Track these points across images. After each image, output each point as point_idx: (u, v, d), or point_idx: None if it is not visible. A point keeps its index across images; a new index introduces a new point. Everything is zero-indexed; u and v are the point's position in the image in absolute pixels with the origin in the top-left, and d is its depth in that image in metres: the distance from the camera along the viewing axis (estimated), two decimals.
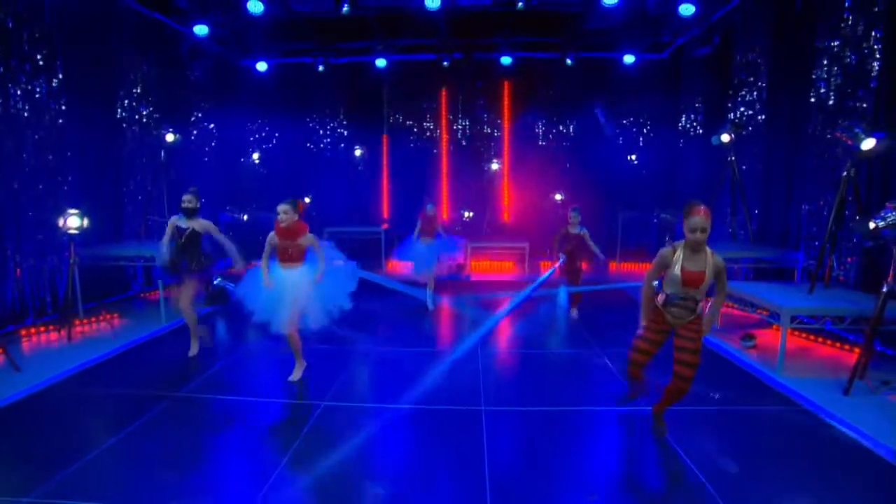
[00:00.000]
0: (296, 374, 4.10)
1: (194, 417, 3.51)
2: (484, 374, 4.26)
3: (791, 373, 4.26)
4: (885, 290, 3.85)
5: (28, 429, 3.32)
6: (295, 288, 3.84)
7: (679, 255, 2.90)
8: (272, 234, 3.88)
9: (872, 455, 3.04)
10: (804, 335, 5.15)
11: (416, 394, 3.80)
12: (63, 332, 5.09)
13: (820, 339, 5.09)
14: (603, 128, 9.67)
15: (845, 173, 4.70)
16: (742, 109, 7.37)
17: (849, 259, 5.33)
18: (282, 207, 3.80)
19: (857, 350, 4.30)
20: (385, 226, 9.92)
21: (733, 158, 6.53)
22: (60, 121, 5.80)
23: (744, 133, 6.69)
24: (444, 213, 10.53)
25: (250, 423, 3.44)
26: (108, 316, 5.70)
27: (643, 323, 3.14)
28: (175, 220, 4.56)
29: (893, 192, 4.69)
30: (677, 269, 2.89)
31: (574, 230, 5.90)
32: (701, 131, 8.60)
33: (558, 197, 9.58)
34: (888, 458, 2.99)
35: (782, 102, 6.47)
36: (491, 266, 9.90)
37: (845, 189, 4.73)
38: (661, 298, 3.03)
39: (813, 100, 5.89)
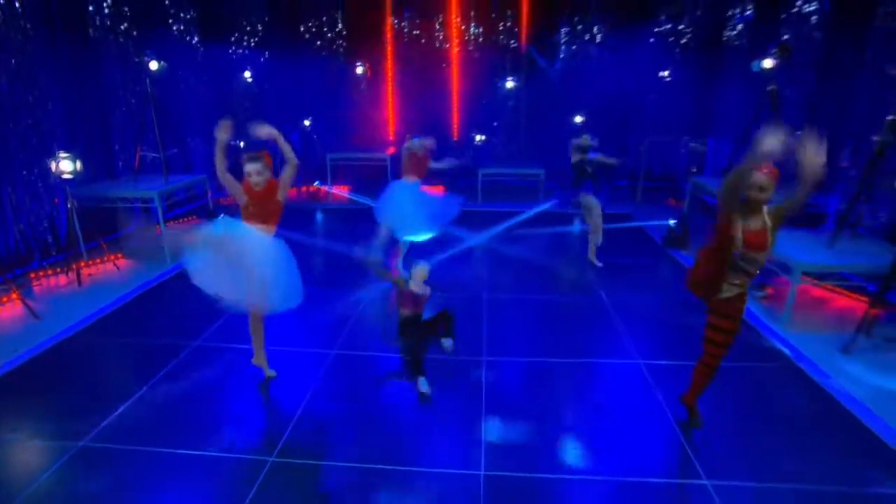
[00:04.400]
0: (271, 371, 3.92)
1: (216, 364, 4.09)
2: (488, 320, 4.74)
3: (798, 327, 4.65)
4: None
5: (62, 378, 3.93)
6: (266, 259, 3.38)
7: (740, 218, 2.86)
8: (240, 188, 3.44)
9: (848, 414, 3.49)
10: (822, 285, 5.43)
11: None
12: (71, 276, 5.63)
13: (837, 289, 5.36)
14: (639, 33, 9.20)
15: (892, 117, 4.69)
16: (794, 24, 7.03)
17: (882, 212, 5.45)
18: (254, 167, 3.34)
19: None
20: (391, 150, 10.02)
21: (774, 87, 6.40)
22: (29, 47, 5.86)
23: (791, 57, 6.46)
24: (455, 135, 10.54)
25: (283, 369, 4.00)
26: (113, 256, 6.22)
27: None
28: None
29: None
30: (738, 232, 2.86)
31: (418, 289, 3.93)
32: (747, 46, 8.25)
33: (578, 119, 9.47)
34: (859, 414, 3.46)
35: (844, 19, 6.14)
36: (503, 194, 10.11)
37: (890, 134, 4.75)
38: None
39: (880, 19, 5.63)
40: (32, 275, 5.78)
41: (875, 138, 5.24)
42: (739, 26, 8.55)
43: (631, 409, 3.57)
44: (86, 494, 2.82)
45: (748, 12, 8.30)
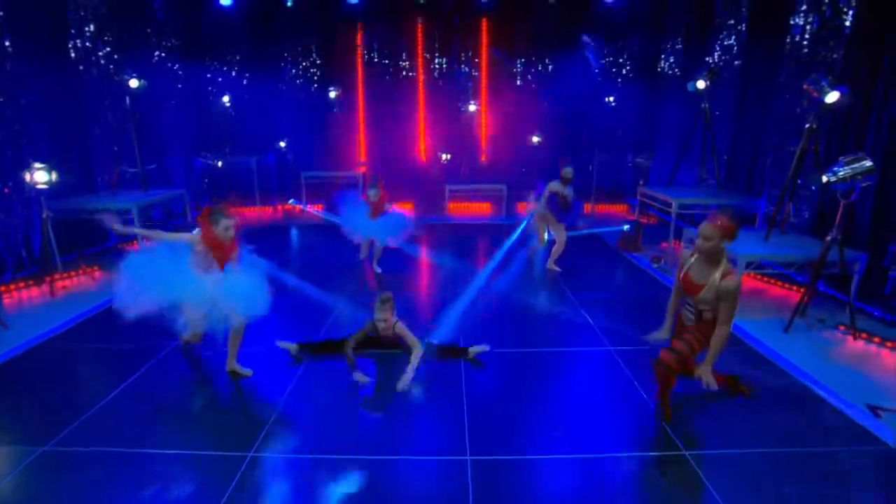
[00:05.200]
0: (247, 370, 3.59)
1: (195, 364, 3.67)
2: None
3: (745, 314, 4.61)
4: (829, 238, 4.15)
5: (29, 384, 3.43)
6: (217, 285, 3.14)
7: (693, 259, 2.75)
8: (195, 237, 3.18)
9: (794, 381, 3.47)
10: (760, 277, 5.51)
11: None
12: (44, 287, 5.06)
13: (773, 281, 5.47)
14: (587, 63, 9.39)
15: (808, 126, 4.82)
16: (718, 53, 7.30)
17: (805, 210, 5.59)
18: (232, 222, 3.14)
19: (802, 291, 4.67)
20: (362, 169, 9.76)
21: (707, 106, 6.57)
22: (8, 65, 5.36)
23: (719, 80, 6.68)
24: (423, 154, 10.39)
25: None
26: (89, 269, 5.65)
27: (662, 333, 2.97)
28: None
29: (851, 145, 4.86)
30: (682, 273, 2.79)
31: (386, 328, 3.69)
32: (679, 74, 8.51)
33: (535, 139, 9.50)
34: (808, 383, 3.43)
35: (759, 48, 6.42)
36: (469, 208, 9.99)
37: (808, 141, 4.88)
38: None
39: (789, 47, 5.88)
40: (3, 288, 5.16)
41: (792, 149, 5.41)
42: (672, 58, 8.84)
43: (608, 391, 3.39)
44: (48, 497, 2.39)
45: (678, 46, 8.60)
